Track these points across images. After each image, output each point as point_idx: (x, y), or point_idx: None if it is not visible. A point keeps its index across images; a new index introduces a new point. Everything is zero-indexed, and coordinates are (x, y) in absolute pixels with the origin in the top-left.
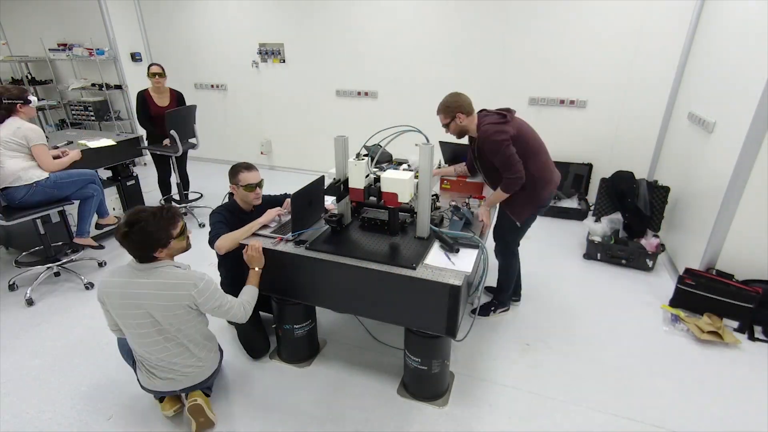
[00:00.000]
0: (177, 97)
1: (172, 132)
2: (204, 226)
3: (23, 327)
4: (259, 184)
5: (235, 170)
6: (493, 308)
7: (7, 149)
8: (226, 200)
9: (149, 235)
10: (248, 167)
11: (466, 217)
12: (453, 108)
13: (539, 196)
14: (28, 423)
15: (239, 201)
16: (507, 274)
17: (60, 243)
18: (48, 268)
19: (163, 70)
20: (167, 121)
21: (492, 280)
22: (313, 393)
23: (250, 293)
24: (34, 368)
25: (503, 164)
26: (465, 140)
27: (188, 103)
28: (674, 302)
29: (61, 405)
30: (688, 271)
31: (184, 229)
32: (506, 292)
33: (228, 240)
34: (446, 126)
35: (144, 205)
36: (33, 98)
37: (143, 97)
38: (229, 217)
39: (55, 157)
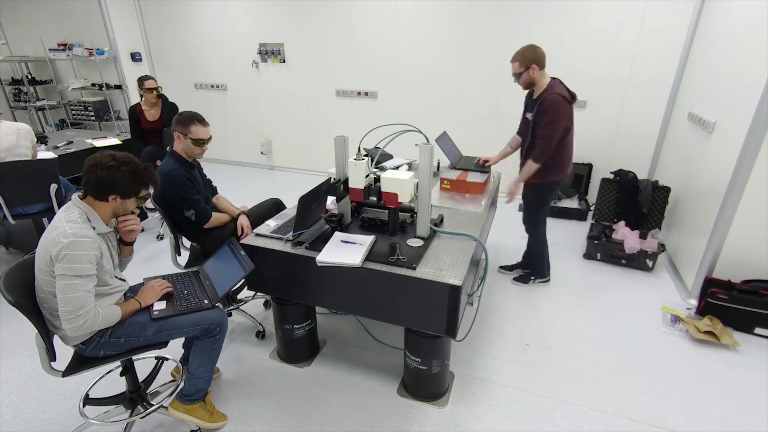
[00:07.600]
0: (166, 110)
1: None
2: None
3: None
4: (208, 141)
5: (188, 120)
6: (533, 278)
7: (18, 156)
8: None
9: (128, 177)
10: (202, 121)
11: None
12: (530, 58)
13: (565, 169)
14: (28, 423)
15: (182, 151)
16: (537, 248)
17: None
18: None
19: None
20: (165, 139)
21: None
22: (313, 393)
23: (112, 314)
24: (34, 368)
25: (545, 137)
26: None
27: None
28: (701, 313)
29: (61, 405)
30: (712, 282)
31: (145, 198)
32: (540, 263)
33: (214, 221)
34: (517, 75)
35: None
36: None
37: (135, 111)
38: (189, 179)
39: None
